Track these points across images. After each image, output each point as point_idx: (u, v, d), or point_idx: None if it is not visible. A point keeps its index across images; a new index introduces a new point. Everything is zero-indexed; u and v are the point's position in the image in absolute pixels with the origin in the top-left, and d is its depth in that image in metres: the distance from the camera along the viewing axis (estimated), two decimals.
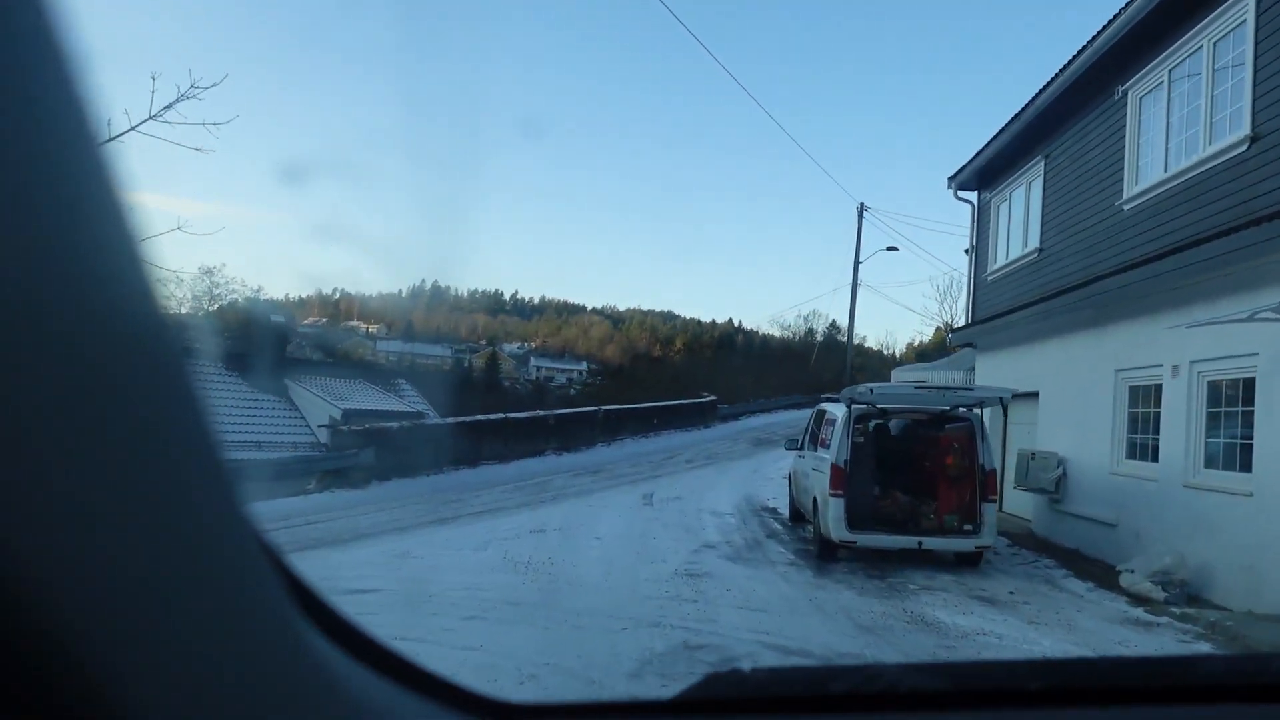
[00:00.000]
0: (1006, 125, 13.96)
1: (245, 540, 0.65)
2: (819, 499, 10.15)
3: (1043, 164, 13.55)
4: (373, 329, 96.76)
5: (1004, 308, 14.36)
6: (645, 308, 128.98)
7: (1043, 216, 13.48)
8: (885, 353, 59.44)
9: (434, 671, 0.96)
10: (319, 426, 19.32)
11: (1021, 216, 14.43)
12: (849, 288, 34.89)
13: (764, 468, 19.76)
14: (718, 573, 9.24)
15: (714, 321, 46.81)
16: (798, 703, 1.07)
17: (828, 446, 10.34)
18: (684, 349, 44.91)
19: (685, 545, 11.16)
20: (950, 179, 16.76)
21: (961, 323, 17.95)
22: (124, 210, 0.55)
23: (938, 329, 43.98)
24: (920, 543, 9.65)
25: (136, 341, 0.55)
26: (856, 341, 50.30)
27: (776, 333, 53.76)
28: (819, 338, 49.65)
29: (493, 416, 18.72)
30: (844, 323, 51.64)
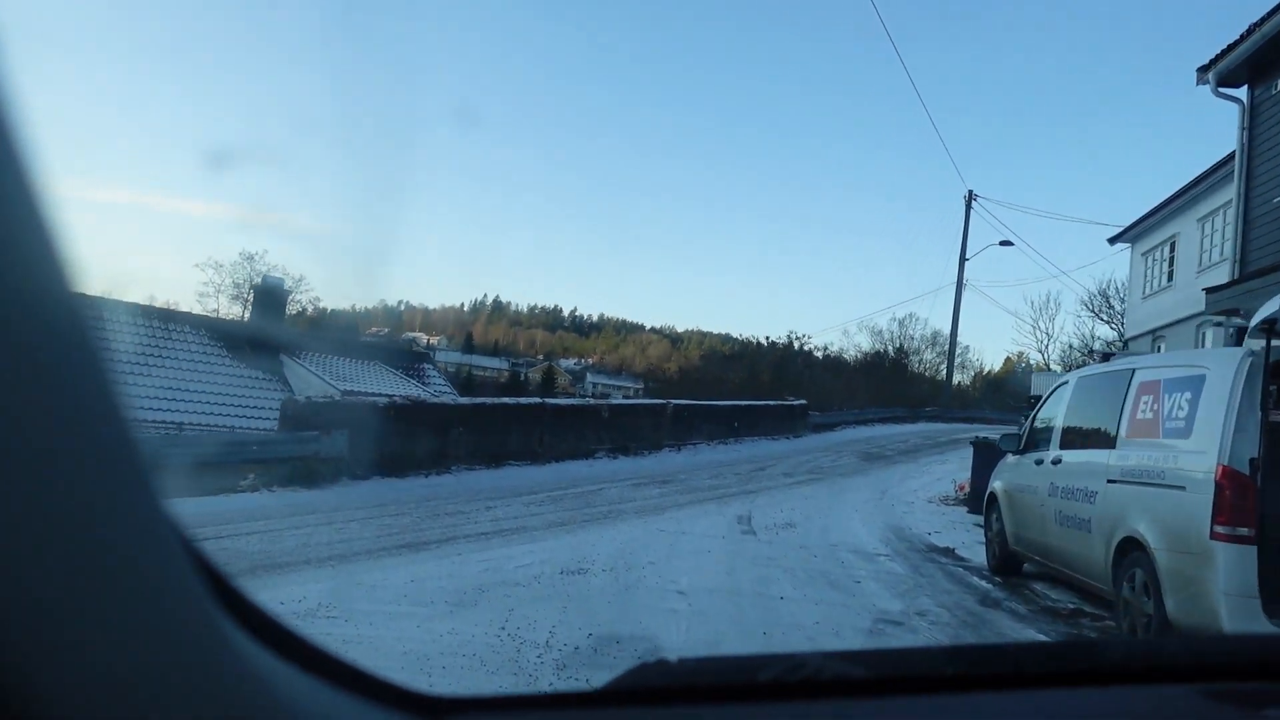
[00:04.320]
0: None
1: (163, 536, 0.62)
2: (1164, 547, 4.81)
3: None
4: (433, 340, 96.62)
5: None
6: (704, 328, 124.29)
7: None
8: (976, 361, 52.93)
9: (361, 667, 0.90)
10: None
11: None
12: (912, 296, 29.12)
13: (892, 488, 14.39)
14: None
15: (774, 342, 41.37)
16: (724, 691, 1.07)
17: (1183, 431, 4.95)
18: (748, 365, 39.37)
19: (843, 618, 6.03)
20: (1204, 70, 11.31)
21: (1216, 285, 12.20)
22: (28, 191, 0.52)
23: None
24: None
25: (40, 326, 0.52)
26: (934, 347, 44.29)
27: (861, 344, 47.79)
28: (915, 344, 43.59)
29: (525, 400, 13.81)
30: (931, 324, 45.54)
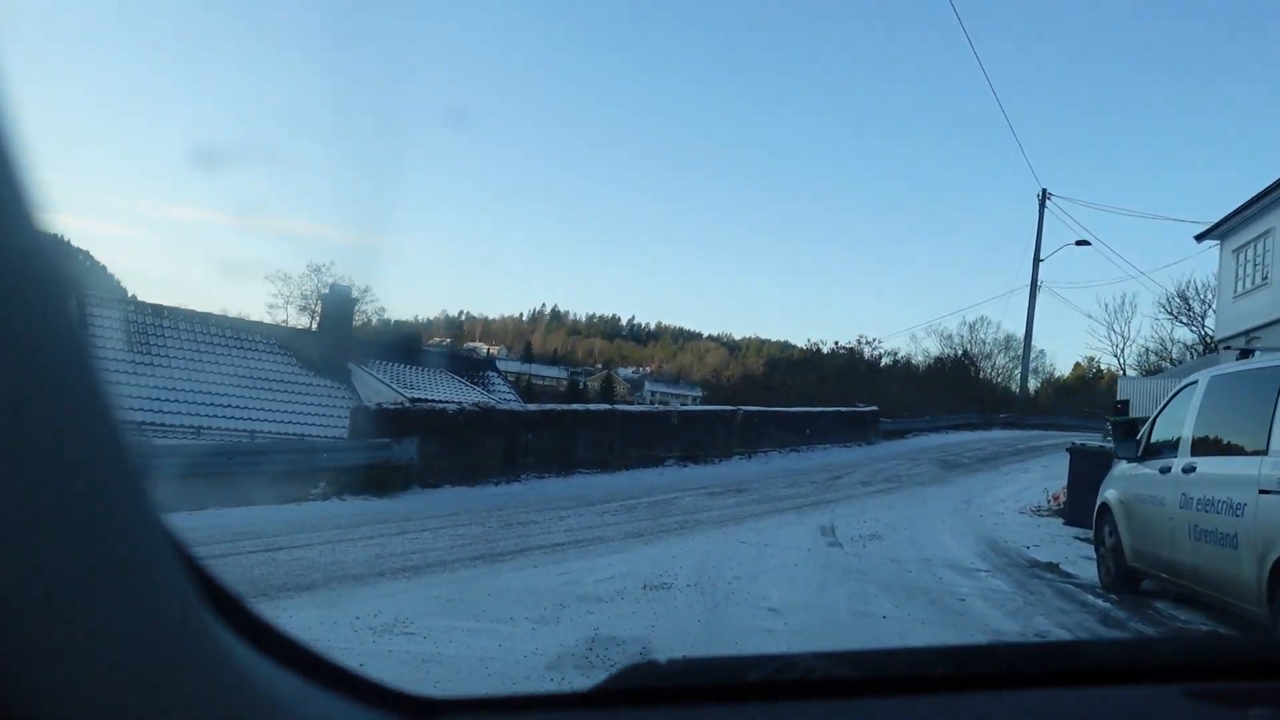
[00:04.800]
0: None
1: (154, 541, 0.63)
2: None
3: None
4: (493, 350, 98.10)
5: None
6: (762, 336, 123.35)
7: None
8: (1047, 366, 51.00)
9: (351, 668, 0.91)
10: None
11: None
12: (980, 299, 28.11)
13: (977, 498, 13.71)
14: None
15: (841, 347, 40.09)
16: (715, 692, 1.07)
17: None
18: (814, 371, 38.39)
19: (956, 641, 5.50)
20: None
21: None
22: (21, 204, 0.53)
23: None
24: None
25: (31, 330, 0.53)
26: (1007, 351, 42.78)
27: (929, 349, 46.39)
28: (986, 348, 42.12)
29: (595, 407, 13.51)
30: (1004, 327, 43.92)
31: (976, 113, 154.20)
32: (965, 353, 41.73)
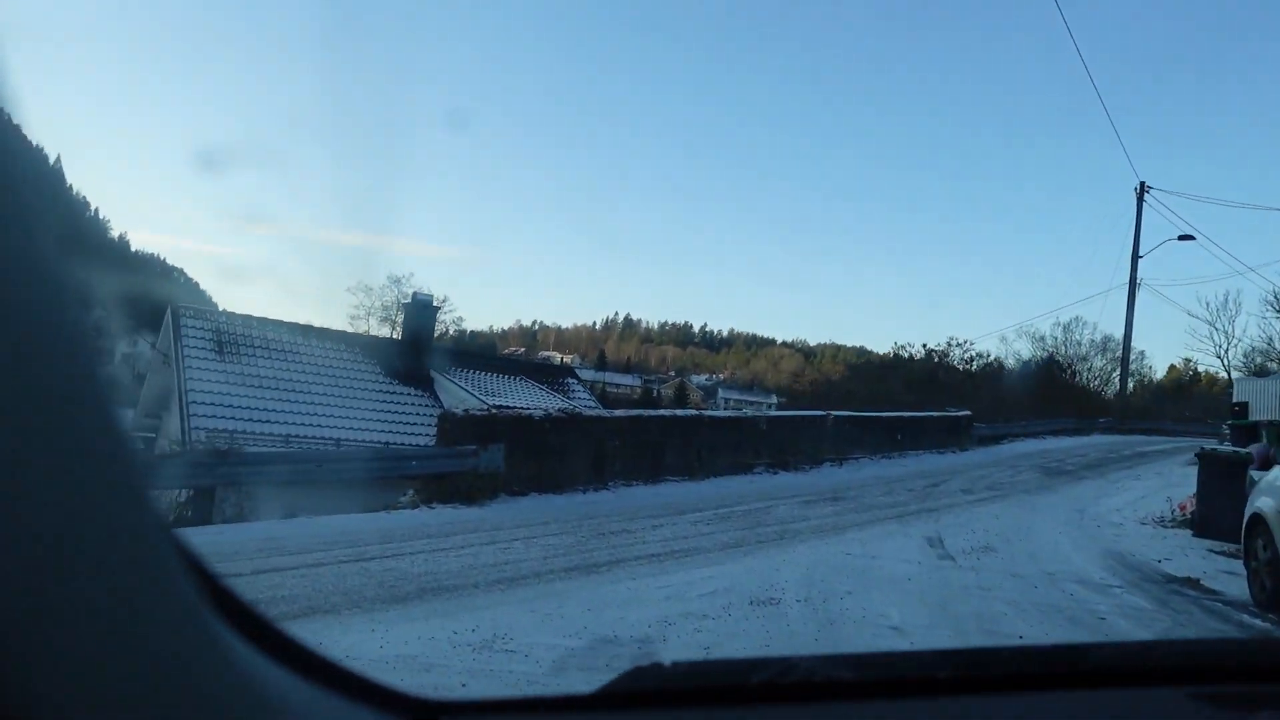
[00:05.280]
0: None
1: (155, 543, 0.63)
2: None
3: None
4: (566, 358, 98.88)
5: None
6: (838, 341, 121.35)
7: None
8: (1144, 369, 48.35)
9: (357, 670, 0.92)
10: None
11: None
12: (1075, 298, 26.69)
13: (1089, 507, 12.86)
14: None
15: (929, 350, 38.39)
16: (717, 694, 1.06)
17: None
18: (901, 375, 37.05)
19: None
20: None
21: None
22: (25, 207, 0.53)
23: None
24: None
25: (34, 336, 0.53)
26: (1105, 353, 40.68)
27: (1020, 351, 44.43)
28: (1082, 350, 40.11)
29: (682, 413, 13.12)
30: (1101, 328, 41.60)
31: (1070, 102, 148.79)
32: (1059, 355, 39.89)
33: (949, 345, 37.81)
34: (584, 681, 4.27)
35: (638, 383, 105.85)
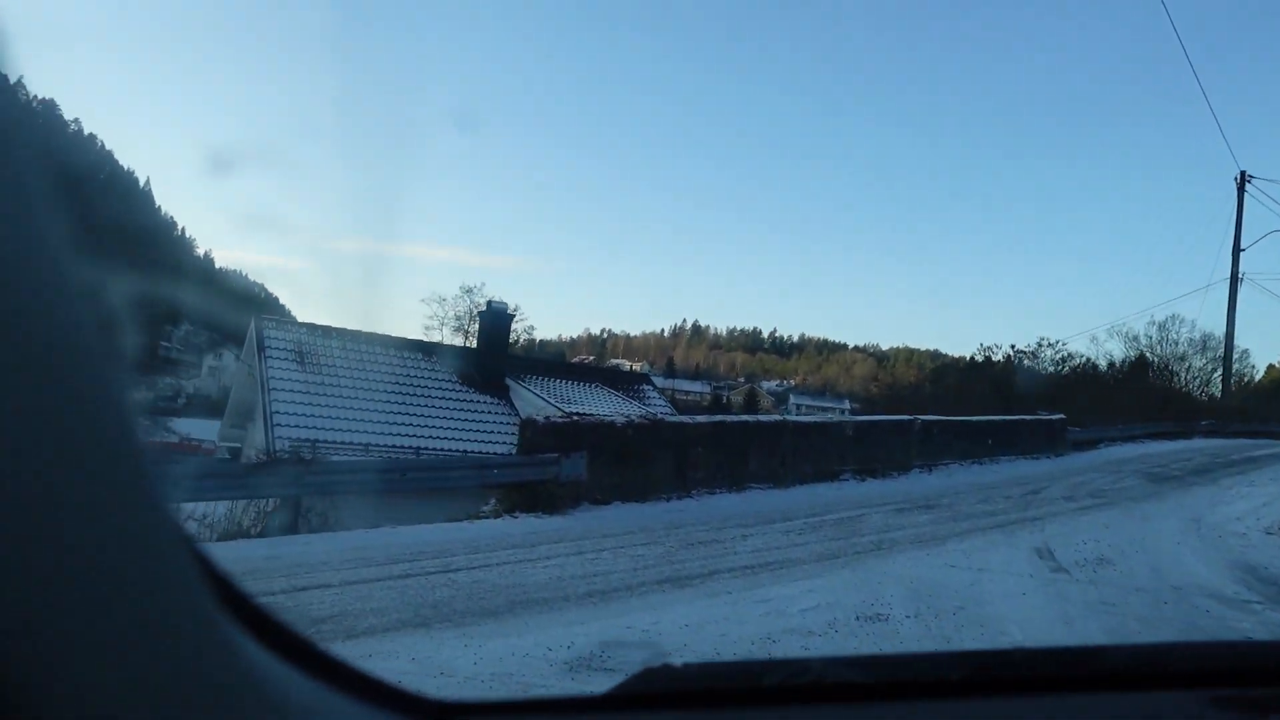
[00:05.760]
0: None
1: (168, 544, 0.62)
2: None
3: None
4: (635, 366, 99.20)
5: None
6: (911, 345, 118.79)
7: None
8: (1247, 368, 45.66)
9: (366, 671, 0.91)
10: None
11: None
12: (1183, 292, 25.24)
13: (1205, 516, 12.03)
14: None
15: (1019, 350, 36.73)
16: (729, 696, 1.05)
17: None
18: (985, 378, 35.66)
19: None
20: None
21: None
22: (38, 211, 0.53)
23: None
24: None
25: (49, 344, 0.52)
26: (1205, 352, 38.55)
27: (1112, 351, 42.37)
28: (1180, 349, 38.05)
29: (765, 419, 12.71)
30: (1200, 325, 39.27)
31: (1166, 88, 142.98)
32: (1156, 354, 37.96)
33: (1039, 345, 36.28)
34: None
35: (707, 389, 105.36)
